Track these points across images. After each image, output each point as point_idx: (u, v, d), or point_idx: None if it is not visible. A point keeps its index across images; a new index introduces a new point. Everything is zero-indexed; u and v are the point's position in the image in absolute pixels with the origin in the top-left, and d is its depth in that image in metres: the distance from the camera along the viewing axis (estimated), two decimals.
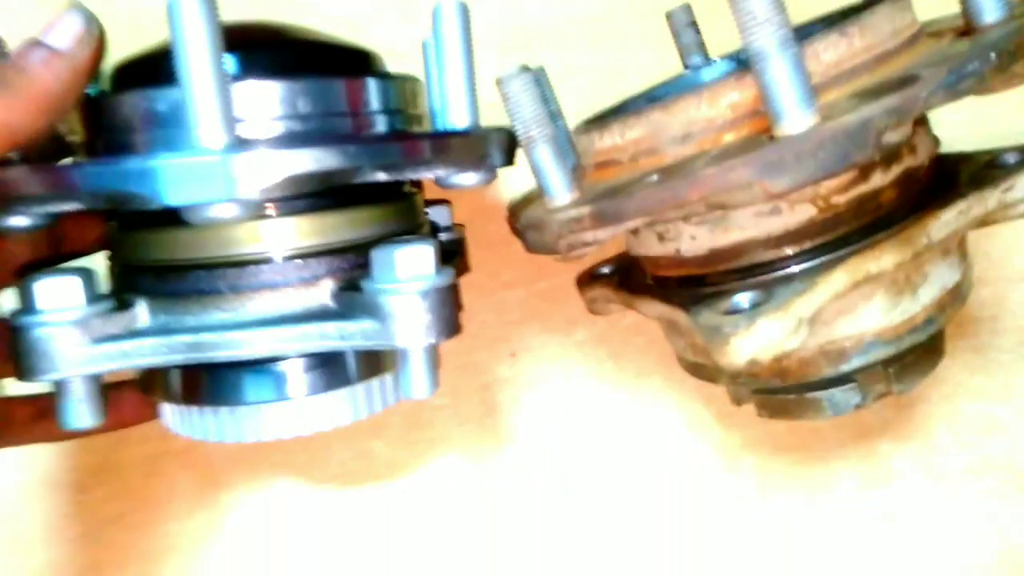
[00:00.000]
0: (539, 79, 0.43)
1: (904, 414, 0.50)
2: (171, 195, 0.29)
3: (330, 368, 0.36)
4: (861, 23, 0.33)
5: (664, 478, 0.52)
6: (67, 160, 0.37)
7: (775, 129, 0.30)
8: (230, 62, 0.32)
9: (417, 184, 0.42)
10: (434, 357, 0.35)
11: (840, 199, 0.34)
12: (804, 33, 0.34)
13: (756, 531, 0.51)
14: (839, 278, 0.33)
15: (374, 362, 0.37)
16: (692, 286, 0.38)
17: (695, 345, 0.41)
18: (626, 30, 0.54)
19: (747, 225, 0.35)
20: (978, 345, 0.50)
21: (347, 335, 0.33)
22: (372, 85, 0.37)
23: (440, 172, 0.34)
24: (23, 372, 0.33)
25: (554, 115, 0.44)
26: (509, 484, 0.52)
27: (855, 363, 0.36)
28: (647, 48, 0.50)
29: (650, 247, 0.39)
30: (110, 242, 0.39)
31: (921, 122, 0.37)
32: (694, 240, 0.37)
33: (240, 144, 0.30)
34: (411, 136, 0.37)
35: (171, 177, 0.29)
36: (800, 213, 0.35)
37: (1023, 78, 0.32)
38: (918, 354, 0.39)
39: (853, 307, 0.35)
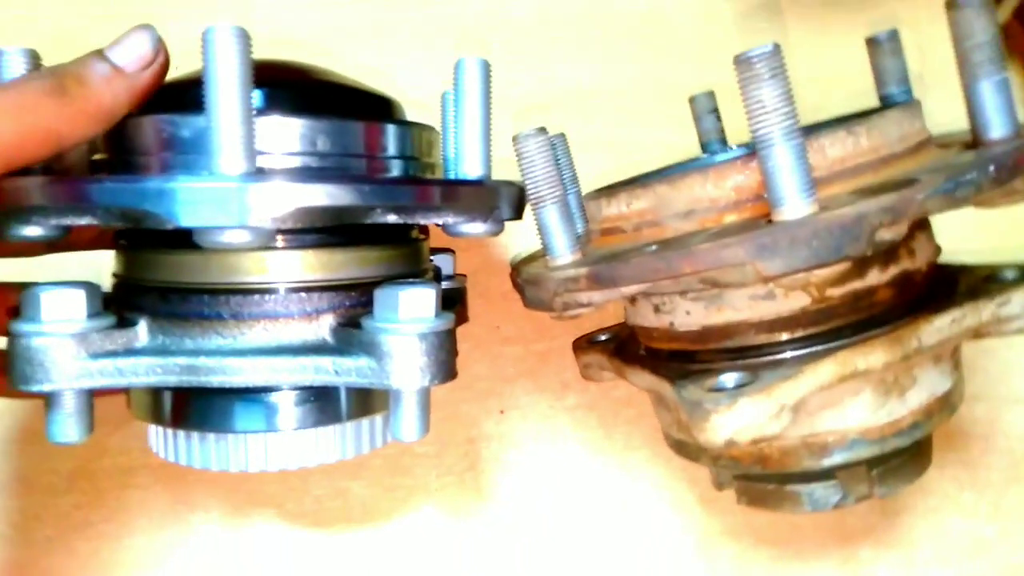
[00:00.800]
0: (555, 143, 0.45)
1: (889, 522, 0.49)
2: (186, 217, 0.29)
3: (321, 404, 0.36)
4: (869, 124, 0.34)
5: (640, 556, 0.51)
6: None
7: (774, 214, 0.30)
8: (257, 96, 0.33)
9: (424, 230, 0.43)
10: (426, 401, 0.35)
11: (835, 292, 0.35)
12: (815, 129, 0.35)
13: None
14: (827, 369, 0.33)
15: (365, 402, 0.37)
16: (682, 361, 0.38)
17: (680, 422, 0.40)
18: (651, 109, 0.55)
19: (741, 306, 0.36)
20: (968, 460, 0.50)
21: (343, 371, 0.34)
22: (390, 130, 0.38)
23: (449, 219, 0.35)
24: (17, 379, 0.33)
25: (569, 180, 0.46)
26: (484, 543, 0.51)
27: (837, 459, 0.36)
28: (669, 128, 0.51)
29: (646, 318, 0.40)
30: (117, 259, 0.39)
31: (922, 227, 0.37)
32: (688, 315, 0.37)
33: (257, 174, 0.30)
34: (423, 181, 0.38)
35: (187, 199, 0.29)
36: (794, 301, 0.35)
37: (1020, 195, 0.33)
38: (903, 459, 0.39)
39: (839, 402, 0.35)
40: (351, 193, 0.31)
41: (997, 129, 0.34)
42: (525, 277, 0.39)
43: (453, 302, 0.45)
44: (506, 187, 0.38)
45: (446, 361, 0.34)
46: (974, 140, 0.35)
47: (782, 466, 0.37)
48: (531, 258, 0.45)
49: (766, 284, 0.35)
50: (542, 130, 0.38)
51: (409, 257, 0.40)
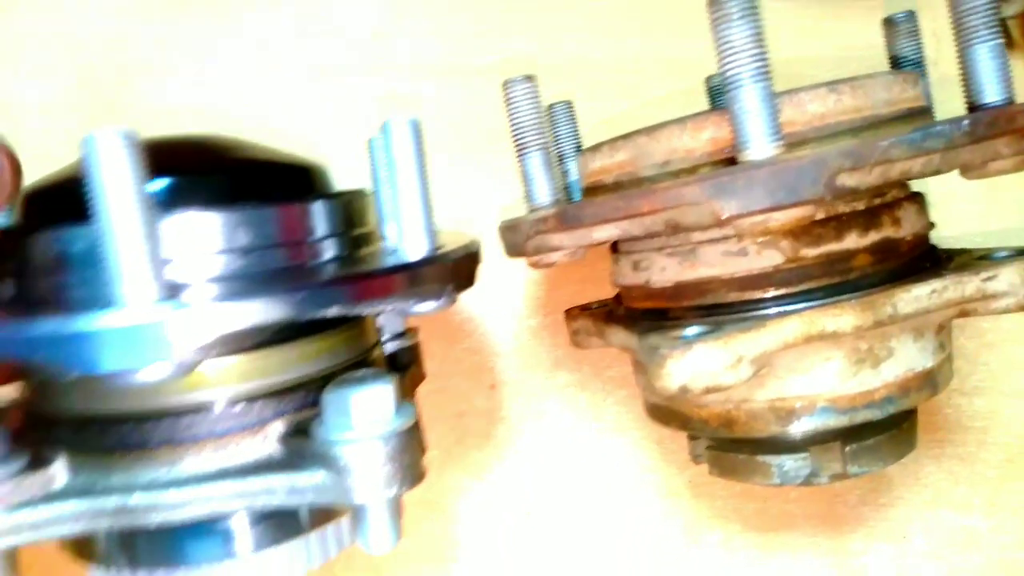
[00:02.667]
0: (560, 110, 0.45)
1: (881, 514, 0.48)
2: (91, 364, 0.25)
3: (279, 520, 0.32)
4: (854, 83, 0.33)
5: (626, 537, 0.50)
6: None
7: (738, 157, 0.30)
8: (161, 188, 0.29)
9: None
10: (396, 507, 0.32)
11: (809, 252, 0.34)
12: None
13: None
14: (792, 326, 0.33)
15: (327, 508, 0.33)
16: (656, 318, 0.38)
17: (654, 385, 0.40)
18: (657, 84, 0.54)
19: (714, 262, 0.35)
20: (965, 455, 0.48)
21: (297, 490, 0.30)
22: (318, 209, 0.33)
23: (400, 304, 0.31)
24: None
25: (571, 149, 0.46)
26: (470, 519, 0.51)
27: (805, 426, 0.35)
28: (675, 104, 0.51)
29: (625, 276, 0.40)
30: (21, 386, 0.34)
31: (911, 198, 0.36)
32: (663, 271, 0.37)
33: (172, 297, 0.26)
34: (367, 275, 0.32)
35: (91, 345, 0.24)
36: (767, 259, 0.34)
37: (1007, 161, 0.31)
38: (879, 438, 0.38)
39: (809, 368, 0.35)
40: (286, 305, 0.27)
41: (991, 94, 0.33)
42: (504, 224, 0.39)
43: (407, 364, 0.41)
44: (460, 258, 0.34)
45: (412, 464, 0.30)
46: (969, 107, 0.34)
47: (749, 430, 0.36)
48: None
49: (733, 236, 0.34)
50: (530, 78, 0.38)
51: (355, 339, 0.36)
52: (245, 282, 0.29)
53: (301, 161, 0.36)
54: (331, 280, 0.31)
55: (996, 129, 0.29)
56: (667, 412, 0.40)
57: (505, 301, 0.53)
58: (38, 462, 0.31)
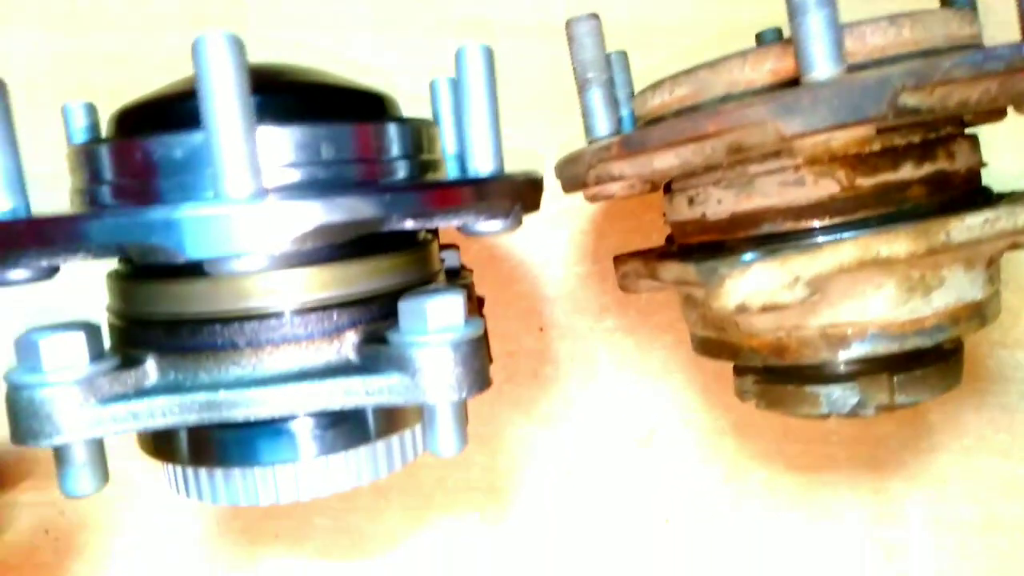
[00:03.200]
0: (615, 59, 0.46)
1: (922, 459, 0.49)
2: (197, 248, 0.26)
3: (349, 426, 0.34)
4: (914, 17, 0.34)
5: (669, 476, 0.51)
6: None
7: (802, 80, 0.31)
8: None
9: (433, 230, 0.41)
10: (463, 412, 0.34)
11: (865, 182, 0.35)
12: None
13: (754, 548, 0.50)
14: (847, 250, 0.34)
15: (393, 419, 0.35)
16: (711, 251, 0.39)
17: (705, 317, 0.41)
18: (711, 45, 0.56)
19: (770, 192, 0.36)
20: (1006, 404, 0.49)
21: (373, 391, 0.32)
22: (392, 130, 0.35)
23: (470, 219, 0.33)
24: (21, 436, 0.31)
25: (625, 98, 0.47)
26: (518, 453, 0.52)
27: (855, 352, 0.36)
28: None
29: (680, 212, 0.41)
30: (112, 292, 0.36)
31: (965, 136, 0.37)
32: (719, 204, 0.38)
33: (268, 193, 0.27)
34: (444, 184, 0.36)
35: (197, 229, 0.26)
36: (823, 187, 0.35)
37: None
38: (926, 369, 0.39)
39: (861, 293, 0.36)
40: (373, 205, 0.28)
41: None
42: (564, 158, 0.40)
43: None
44: (526, 180, 0.35)
45: (480, 370, 0.32)
46: None
47: (800, 357, 0.37)
48: None
49: (790, 166, 0.35)
50: (594, 15, 0.39)
51: (423, 260, 0.38)
52: (328, 185, 0.31)
53: (374, 88, 0.38)
54: (409, 186, 0.33)
55: None
56: (717, 344, 0.41)
57: (554, 249, 0.54)
58: (131, 361, 0.33)
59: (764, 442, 0.50)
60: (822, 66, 0.31)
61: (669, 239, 0.47)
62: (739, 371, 0.45)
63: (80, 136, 0.39)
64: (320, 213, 0.27)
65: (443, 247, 0.45)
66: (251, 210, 0.26)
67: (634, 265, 0.47)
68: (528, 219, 0.54)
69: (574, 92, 0.43)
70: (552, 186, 0.41)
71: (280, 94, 0.33)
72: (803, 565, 0.50)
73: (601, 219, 0.55)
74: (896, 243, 0.34)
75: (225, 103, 0.26)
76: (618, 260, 0.49)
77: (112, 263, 0.38)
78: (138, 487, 0.50)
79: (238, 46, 0.27)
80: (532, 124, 0.51)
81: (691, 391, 0.52)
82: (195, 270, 0.32)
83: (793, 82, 0.34)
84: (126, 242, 0.27)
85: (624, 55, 0.47)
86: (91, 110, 0.40)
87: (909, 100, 0.30)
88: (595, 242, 0.54)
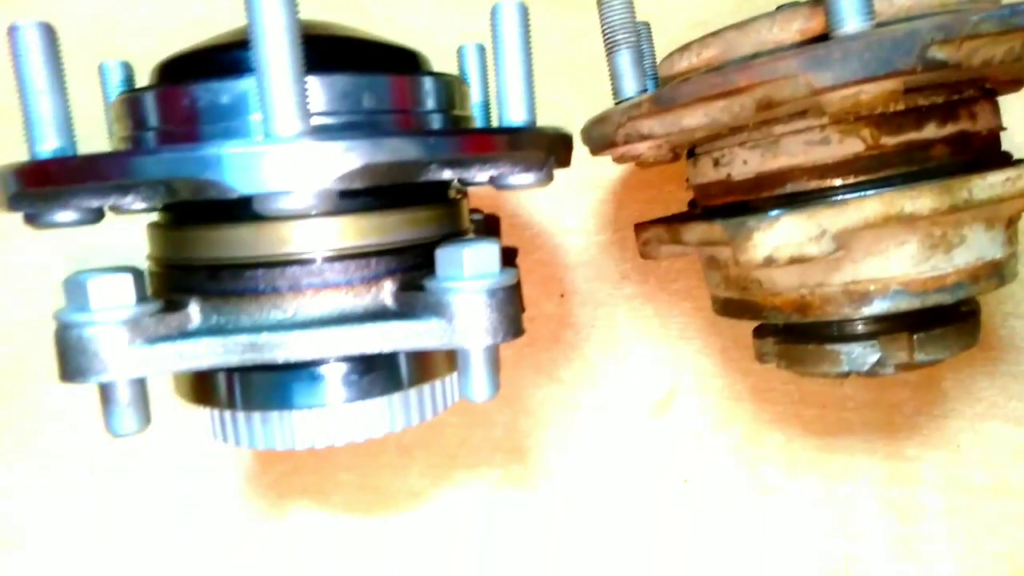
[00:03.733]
0: (641, 30, 0.47)
1: (936, 424, 0.50)
2: (247, 183, 0.27)
3: (383, 373, 0.35)
4: None
5: (688, 438, 0.52)
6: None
7: (832, 34, 0.32)
8: None
9: (463, 192, 0.42)
10: (496, 359, 0.35)
11: (889, 141, 0.36)
12: None
13: (770, 508, 0.51)
14: (872, 206, 0.35)
15: (425, 368, 0.36)
16: (736, 211, 0.40)
17: (728, 278, 0.42)
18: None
19: (795, 152, 0.37)
20: (1018, 373, 0.50)
21: (410, 335, 0.33)
22: (428, 84, 0.36)
23: (504, 170, 0.34)
24: (69, 374, 0.32)
25: (648, 67, 0.48)
26: (538, 413, 0.53)
27: (877, 308, 0.37)
28: None
29: (705, 174, 0.42)
30: (153, 240, 0.37)
31: (987, 98, 0.38)
32: (745, 164, 0.39)
33: (317, 133, 0.28)
34: (482, 131, 0.37)
35: (249, 165, 0.27)
36: (848, 146, 0.36)
37: None
38: (945, 328, 0.40)
39: (884, 250, 0.37)
40: (417, 147, 0.30)
41: None
42: (592, 119, 0.41)
43: None
44: (558, 134, 0.36)
45: (515, 316, 0.33)
46: None
47: (823, 314, 0.38)
48: None
49: (816, 126, 0.36)
50: None
51: (456, 215, 0.39)
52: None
53: (409, 46, 0.38)
54: (449, 131, 0.35)
55: None
56: (739, 304, 0.42)
57: (575, 218, 0.55)
58: (174, 305, 0.34)
59: (780, 407, 0.51)
60: (852, 21, 0.31)
61: (691, 205, 0.48)
62: (759, 333, 0.46)
63: (117, 93, 0.40)
64: (366, 152, 0.28)
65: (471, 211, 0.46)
66: (300, 147, 0.27)
67: (656, 231, 0.48)
68: (549, 188, 0.55)
69: (594, 63, 0.44)
70: (573, 156, 0.42)
71: (324, 46, 0.34)
72: (818, 525, 0.51)
73: (621, 189, 0.55)
74: (920, 199, 0.35)
75: (277, 45, 0.27)
76: (639, 227, 0.50)
77: (151, 217, 0.39)
78: (170, 437, 0.51)
79: None
80: (554, 94, 0.52)
81: (709, 356, 0.53)
82: (238, 216, 0.33)
83: (821, 41, 0.35)
84: (180, 177, 0.27)
85: (647, 26, 0.48)
86: (127, 68, 0.41)
87: (938, 53, 0.30)
88: (615, 211, 0.55)
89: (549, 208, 0.55)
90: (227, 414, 0.36)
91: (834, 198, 0.36)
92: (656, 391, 0.52)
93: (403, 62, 0.37)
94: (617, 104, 0.40)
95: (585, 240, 0.55)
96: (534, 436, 0.53)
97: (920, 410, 0.50)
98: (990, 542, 0.49)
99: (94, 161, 0.29)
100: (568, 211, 0.55)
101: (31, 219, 0.32)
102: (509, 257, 0.44)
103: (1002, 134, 0.40)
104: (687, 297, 0.54)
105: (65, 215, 0.31)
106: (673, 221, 0.46)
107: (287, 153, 0.27)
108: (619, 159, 0.41)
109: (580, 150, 0.40)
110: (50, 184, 0.29)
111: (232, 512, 0.52)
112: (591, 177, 0.54)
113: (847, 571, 0.50)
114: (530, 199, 0.55)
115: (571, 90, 0.53)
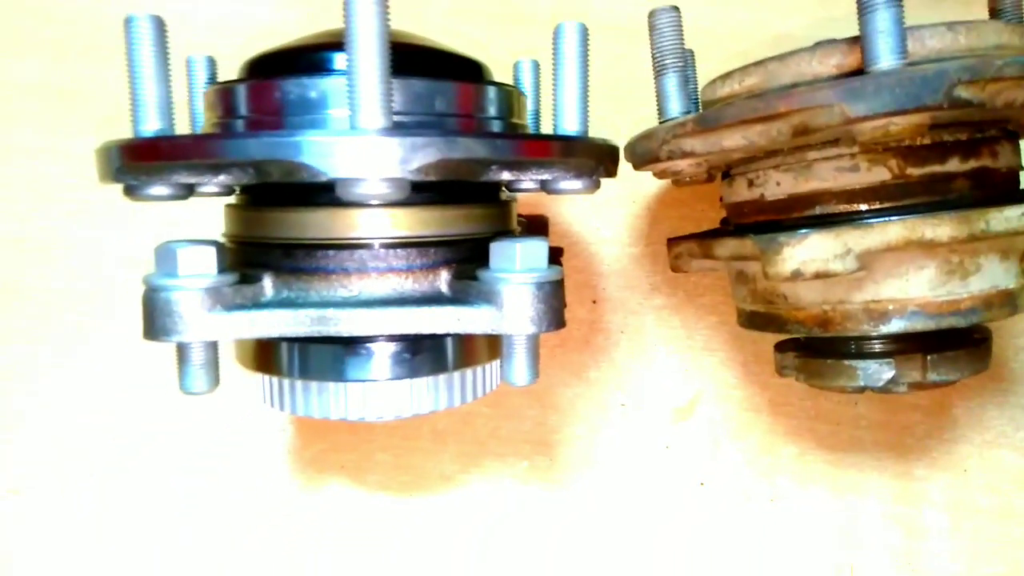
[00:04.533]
0: (688, 57, 0.50)
1: (945, 448, 0.52)
2: (336, 168, 0.30)
3: (432, 356, 0.38)
4: (969, 26, 0.38)
5: (706, 444, 0.55)
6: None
7: (866, 69, 0.35)
8: None
9: (512, 197, 0.45)
10: (537, 347, 0.38)
11: (914, 171, 0.39)
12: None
13: (781, 515, 0.54)
14: (895, 230, 0.37)
15: (469, 353, 0.39)
16: (767, 228, 0.43)
17: (755, 292, 0.45)
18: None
19: (826, 176, 0.40)
20: None
21: (462, 319, 0.35)
22: (492, 92, 0.40)
23: (557, 175, 0.37)
24: (153, 332, 0.35)
25: (692, 94, 0.51)
26: (567, 410, 0.56)
27: (895, 326, 0.40)
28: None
29: (740, 193, 0.45)
30: (231, 220, 0.41)
31: (1008, 138, 0.41)
32: (778, 186, 0.42)
33: (398, 129, 0.31)
34: (541, 136, 0.41)
35: (339, 151, 0.30)
36: (876, 174, 0.39)
37: None
38: (957, 351, 0.42)
39: (904, 273, 0.39)
40: (485, 147, 0.32)
41: None
42: (636, 136, 0.44)
43: None
44: (607, 145, 0.39)
45: (558, 309, 0.36)
46: None
47: (843, 329, 0.41)
48: None
49: (846, 154, 0.39)
50: (675, 8, 0.43)
51: (507, 216, 0.43)
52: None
53: (476, 58, 0.42)
54: (511, 135, 0.38)
55: None
56: (764, 318, 0.45)
57: (611, 229, 0.58)
58: (250, 278, 0.37)
59: (796, 421, 0.54)
60: (886, 58, 0.34)
61: (723, 223, 0.51)
62: (781, 348, 0.48)
63: (201, 85, 0.44)
64: (442, 148, 0.31)
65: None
66: (384, 139, 0.31)
67: (688, 246, 0.51)
68: (587, 200, 0.58)
69: (635, 87, 0.47)
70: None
71: (404, 53, 0.36)
72: (826, 535, 0.53)
73: (656, 205, 0.58)
74: (940, 227, 0.37)
75: (370, 47, 0.30)
76: (672, 241, 0.53)
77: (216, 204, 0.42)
78: (224, 409, 0.55)
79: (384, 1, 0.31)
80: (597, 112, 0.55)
81: (731, 368, 0.55)
82: (315, 201, 0.36)
83: (856, 75, 0.38)
84: (276, 159, 0.31)
85: (692, 53, 0.51)
86: (212, 62, 0.45)
87: (963, 92, 0.33)
88: (649, 226, 0.58)
89: (587, 219, 0.58)
90: (286, 382, 0.39)
91: (860, 221, 0.39)
92: (679, 398, 0.55)
93: (470, 71, 0.40)
94: (662, 123, 0.43)
95: (619, 251, 0.58)
96: (561, 432, 0.55)
97: (931, 434, 0.52)
98: (991, 563, 0.51)
99: (200, 141, 0.32)
100: (605, 223, 0.58)
101: (130, 191, 0.35)
102: (555, 256, 0.47)
103: (1022, 174, 0.43)
104: (713, 312, 0.57)
105: (160, 189, 0.35)
106: (705, 237, 0.49)
107: (372, 143, 0.30)
108: (659, 174, 0.44)
109: (621, 166, 0.44)
110: (156, 159, 0.33)
111: (273, 484, 0.55)
112: (628, 193, 0.57)
113: None
114: (570, 209, 0.58)
115: (612, 111, 0.56)
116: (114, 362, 0.56)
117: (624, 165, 0.45)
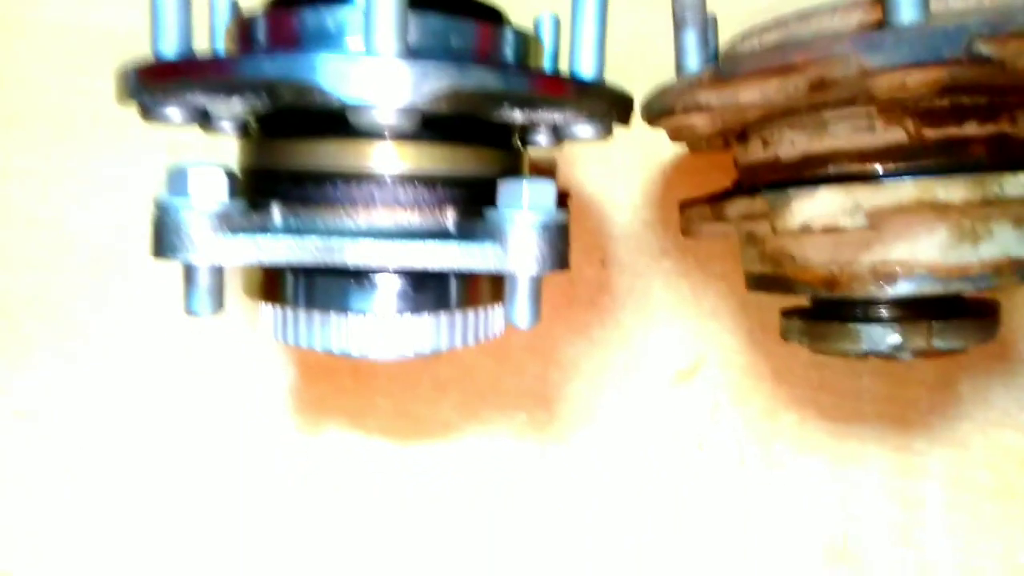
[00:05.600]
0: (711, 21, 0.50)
1: (948, 423, 0.52)
2: (350, 90, 0.30)
3: (435, 292, 0.38)
4: None
5: (707, 407, 0.55)
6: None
7: (886, 24, 0.35)
8: None
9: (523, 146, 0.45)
10: (540, 290, 0.38)
11: (931, 133, 0.39)
12: None
13: (778, 481, 0.54)
14: (907, 189, 0.37)
15: (472, 293, 0.40)
16: (780, 187, 0.43)
17: (763, 253, 0.45)
18: None
19: (841, 135, 0.40)
20: None
21: (467, 255, 0.36)
22: (510, 34, 0.40)
23: (570, 116, 0.37)
24: (161, 250, 0.35)
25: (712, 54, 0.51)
26: (569, 367, 0.56)
27: (902, 288, 0.40)
28: None
29: (755, 153, 0.44)
30: (243, 150, 0.41)
31: None
32: (792, 145, 0.42)
33: (414, 54, 0.32)
34: (555, 74, 0.40)
35: (353, 73, 0.30)
36: (892, 134, 0.39)
37: None
38: (963, 318, 0.42)
39: (915, 235, 0.39)
40: (497, 79, 0.33)
41: None
42: (653, 89, 0.44)
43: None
44: (621, 92, 0.39)
45: (563, 251, 0.37)
46: None
47: (850, 290, 0.41)
48: None
49: (863, 113, 0.39)
50: None
51: (517, 161, 0.43)
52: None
53: (495, 3, 0.42)
54: (525, 70, 0.38)
55: None
56: (772, 279, 0.45)
57: (623, 194, 0.58)
58: (258, 206, 0.37)
59: (799, 389, 0.54)
60: (907, 13, 0.34)
61: (735, 185, 0.51)
62: (786, 314, 0.48)
63: (222, 25, 0.44)
64: (454, 76, 0.31)
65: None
66: (398, 63, 0.31)
67: (699, 209, 0.51)
68: (600, 164, 0.58)
69: (654, 63, 0.47)
70: (624, 135, 0.44)
71: None
72: (823, 503, 0.53)
73: (671, 171, 0.58)
74: (953, 189, 0.37)
75: None
76: (684, 204, 0.53)
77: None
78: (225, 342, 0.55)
79: None
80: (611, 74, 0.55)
81: (736, 335, 0.55)
82: (326, 131, 0.36)
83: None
84: (287, 79, 0.31)
85: (714, 17, 0.51)
86: (234, 4, 0.45)
87: (983, 48, 0.33)
88: (662, 191, 0.58)
89: (600, 181, 0.58)
90: (290, 312, 0.39)
91: (872, 180, 0.39)
92: (682, 360, 0.55)
93: (488, 14, 0.40)
94: (679, 76, 0.43)
95: (631, 215, 0.58)
96: (562, 388, 0.56)
97: (934, 409, 0.52)
98: (987, 540, 0.51)
99: (217, 60, 0.33)
100: (618, 186, 0.58)
101: (146, 111, 0.36)
102: (562, 199, 0.47)
103: None
104: (721, 278, 0.57)
105: (175, 111, 0.35)
106: (717, 199, 0.49)
107: (386, 66, 0.30)
108: (674, 133, 0.44)
109: (634, 131, 0.43)
110: (174, 77, 0.33)
111: (273, 423, 0.56)
112: (641, 158, 0.57)
113: (846, 549, 0.52)
114: (582, 172, 0.58)
115: (630, 74, 0.56)
116: (121, 296, 0.56)
117: (640, 132, 0.45)
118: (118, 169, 0.56)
